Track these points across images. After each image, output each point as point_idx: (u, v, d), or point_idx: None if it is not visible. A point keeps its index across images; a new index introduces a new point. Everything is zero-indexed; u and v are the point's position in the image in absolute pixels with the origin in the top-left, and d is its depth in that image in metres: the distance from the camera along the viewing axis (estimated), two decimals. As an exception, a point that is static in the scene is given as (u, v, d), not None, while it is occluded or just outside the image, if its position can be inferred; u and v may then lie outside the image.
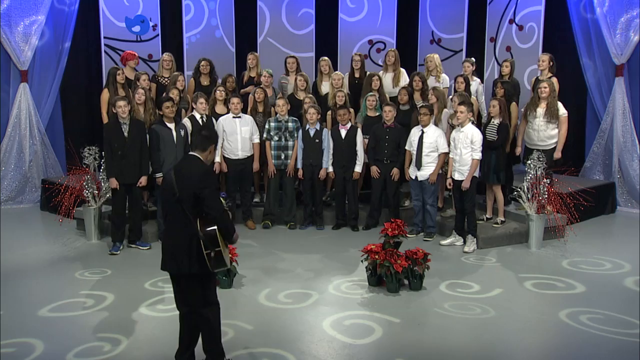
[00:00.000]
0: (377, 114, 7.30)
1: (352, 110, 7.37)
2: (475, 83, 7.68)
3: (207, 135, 3.74)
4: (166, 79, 7.74)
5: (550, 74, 7.24)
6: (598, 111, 8.66)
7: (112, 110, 6.46)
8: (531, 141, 6.92)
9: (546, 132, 6.81)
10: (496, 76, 8.75)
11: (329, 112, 7.47)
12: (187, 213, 3.51)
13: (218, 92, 7.28)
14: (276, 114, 7.26)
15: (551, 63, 7.29)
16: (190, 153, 3.76)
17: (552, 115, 6.74)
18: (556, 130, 6.82)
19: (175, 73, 7.61)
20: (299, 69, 8.03)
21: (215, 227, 3.49)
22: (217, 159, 7.01)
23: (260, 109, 7.45)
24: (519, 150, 7.11)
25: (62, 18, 8.73)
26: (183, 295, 3.71)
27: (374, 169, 7.09)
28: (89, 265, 6.03)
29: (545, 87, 6.76)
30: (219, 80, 7.83)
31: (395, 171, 7.00)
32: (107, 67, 8.15)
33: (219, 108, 7.32)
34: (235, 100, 7.07)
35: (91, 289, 5.34)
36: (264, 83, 7.65)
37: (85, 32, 9.07)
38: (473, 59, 8.00)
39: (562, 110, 6.81)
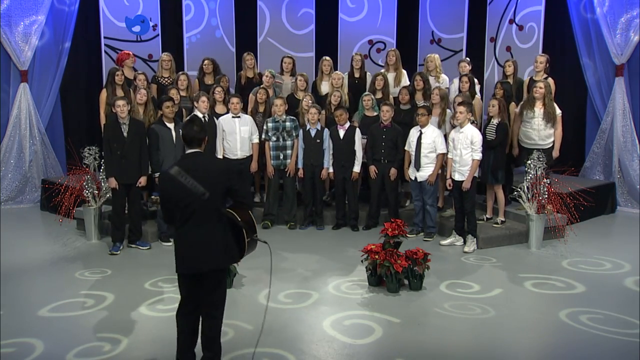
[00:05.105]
0: (375, 113, 7.28)
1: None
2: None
3: (198, 130, 3.63)
4: (166, 79, 7.75)
5: (545, 75, 7.24)
6: (598, 111, 8.66)
7: (112, 110, 6.46)
8: (531, 141, 6.91)
9: (545, 131, 6.81)
10: (496, 76, 8.76)
11: (324, 112, 7.47)
12: (219, 209, 3.56)
13: (217, 92, 7.28)
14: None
15: (547, 64, 7.30)
16: (193, 151, 3.63)
17: (549, 116, 6.75)
18: (553, 130, 6.83)
19: (179, 73, 7.63)
20: (294, 70, 8.04)
21: (250, 213, 3.75)
22: (219, 156, 6.99)
23: (261, 109, 7.46)
24: (516, 152, 7.10)
25: (62, 18, 8.73)
26: (208, 293, 3.65)
27: (372, 169, 7.09)
28: (89, 265, 6.03)
29: (540, 88, 6.75)
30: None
31: (393, 171, 7.00)
32: (107, 67, 8.15)
33: (219, 108, 7.33)
34: (235, 100, 7.06)
35: (91, 289, 5.34)
36: (266, 83, 7.64)
37: (85, 32, 9.07)
38: (468, 58, 7.99)
39: (557, 111, 6.83)
